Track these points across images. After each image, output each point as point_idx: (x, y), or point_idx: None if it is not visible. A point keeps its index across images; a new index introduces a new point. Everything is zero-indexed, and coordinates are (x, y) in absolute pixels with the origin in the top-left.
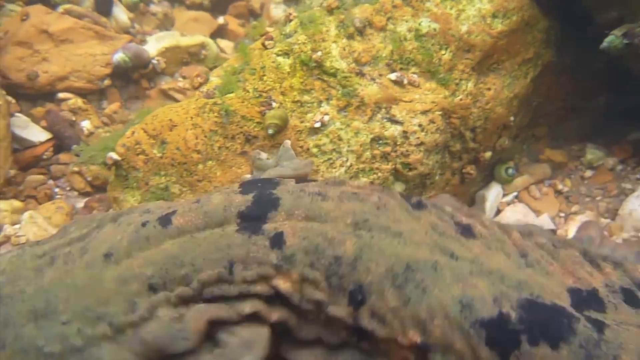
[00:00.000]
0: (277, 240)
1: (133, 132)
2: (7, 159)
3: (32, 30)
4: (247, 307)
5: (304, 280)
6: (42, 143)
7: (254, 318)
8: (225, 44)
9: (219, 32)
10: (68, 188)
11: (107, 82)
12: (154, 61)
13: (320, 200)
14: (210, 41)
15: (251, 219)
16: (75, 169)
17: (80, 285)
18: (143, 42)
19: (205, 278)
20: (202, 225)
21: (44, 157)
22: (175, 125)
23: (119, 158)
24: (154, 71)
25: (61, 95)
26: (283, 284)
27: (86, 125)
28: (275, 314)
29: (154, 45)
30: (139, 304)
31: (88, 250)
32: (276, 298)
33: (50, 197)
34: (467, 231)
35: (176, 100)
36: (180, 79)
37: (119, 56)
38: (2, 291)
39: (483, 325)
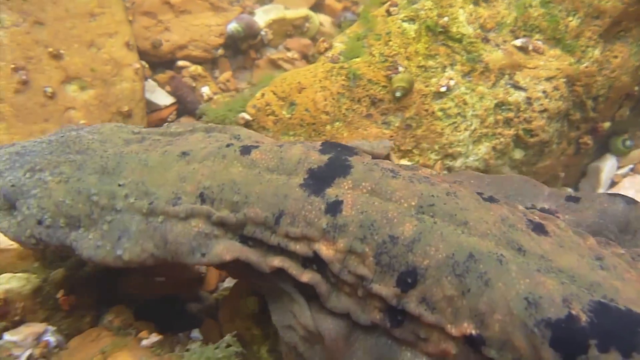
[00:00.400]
0: (334, 208)
1: (263, 94)
2: (142, 119)
3: (156, 1)
4: (277, 260)
5: (351, 252)
6: (167, 106)
7: (280, 272)
8: (323, 18)
9: (317, 7)
10: None
11: (220, 51)
12: (263, 32)
13: (390, 177)
14: (313, 14)
15: (318, 179)
16: None
17: (149, 164)
18: (251, 14)
19: (252, 215)
20: (274, 167)
21: (169, 119)
22: (304, 88)
23: (250, 118)
24: (261, 42)
25: (180, 63)
26: (325, 250)
27: (206, 91)
28: (307, 276)
29: (262, 18)
30: (182, 202)
31: (172, 144)
32: (312, 261)
33: None
34: (539, 228)
35: (285, 70)
36: (284, 50)
37: (232, 26)
38: (92, 145)
39: (549, 325)
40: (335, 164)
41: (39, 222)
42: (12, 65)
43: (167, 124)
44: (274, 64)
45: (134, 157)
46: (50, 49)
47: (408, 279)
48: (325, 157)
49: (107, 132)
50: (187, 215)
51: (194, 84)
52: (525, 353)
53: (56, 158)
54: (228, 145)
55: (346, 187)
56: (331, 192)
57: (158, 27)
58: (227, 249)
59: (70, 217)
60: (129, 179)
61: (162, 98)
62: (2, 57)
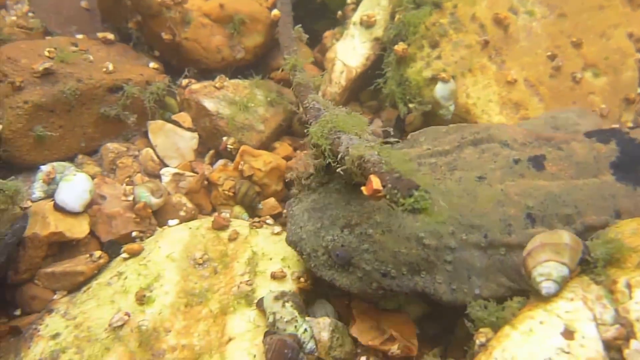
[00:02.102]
0: None
1: None
2: None
3: None
4: None
5: None
6: None
7: None
8: None
9: None
10: None
11: None
12: None
13: None
14: None
15: (625, 170)
16: None
17: (454, 193)
18: None
19: (591, 222)
20: (576, 174)
21: None
22: None
23: None
24: None
25: None
26: None
27: None
28: None
29: None
30: (514, 228)
31: (457, 167)
32: None
33: None
34: None
35: None
36: None
37: None
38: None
39: None
40: (629, 150)
41: (384, 275)
42: (548, 53)
43: (411, 134)
44: None
45: (434, 190)
46: (573, 39)
47: None
48: (613, 146)
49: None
50: (522, 242)
51: None
52: None
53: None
54: (516, 162)
55: None
56: None
57: None
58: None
59: (409, 264)
60: (444, 214)
61: None
62: (538, 45)
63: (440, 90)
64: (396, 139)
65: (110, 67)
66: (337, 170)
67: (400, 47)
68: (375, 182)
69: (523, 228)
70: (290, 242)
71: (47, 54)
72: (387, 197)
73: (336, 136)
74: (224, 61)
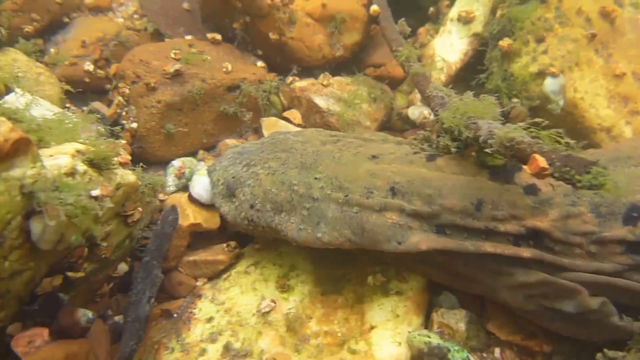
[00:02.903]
0: (531, 190)
1: None
2: None
3: None
4: (488, 246)
5: (567, 217)
6: None
7: (498, 258)
8: None
9: None
10: None
11: None
12: None
13: None
14: None
15: (501, 173)
16: None
17: (342, 162)
18: None
19: (449, 205)
20: (458, 171)
21: None
22: None
23: None
24: None
25: None
26: (540, 224)
27: None
28: (528, 252)
29: None
30: (375, 195)
31: (363, 146)
32: (526, 239)
33: None
34: None
35: None
36: None
37: None
38: (294, 145)
39: None
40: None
41: (251, 206)
42: None
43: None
44: None
45: (329, 156)
46: None
47: (633, 214)
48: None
49: (308, 135)
50: (382, 207)
51: None
52: None
53: (266, 155)
54: (415, 153)
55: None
56: (521, 179)
57: None
58: (423, 240)
59: (275, 202)
60: (323, 173)
61: None
62: None
63: (550, 84)
64: (542, 119)
65: (229, 67)
66: (484, 151)
67: (505, 42)
68: (541, 161)
69: (382, 197)
70: (207, 171)
71: (173, 55)
72: (556, 175)
73: (471, 121)
74: (324, 59)
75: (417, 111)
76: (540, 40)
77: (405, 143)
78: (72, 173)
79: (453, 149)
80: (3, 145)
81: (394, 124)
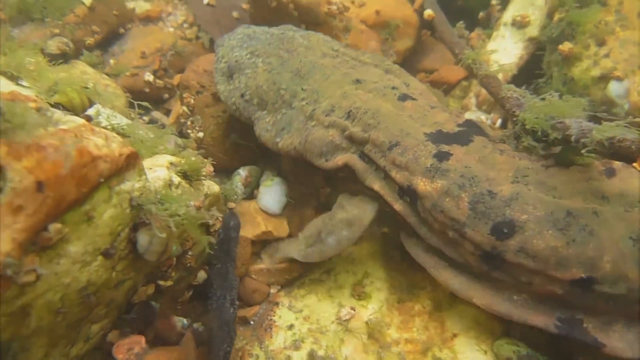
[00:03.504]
0: (442, 156)
1: None
2: None
3: None
4: (376, 185)
5: (447, 194)
6: None
7: (377, 196)
8: None
9: None
10: None
11: None
12: None
13: (498, 154)
14: None
15: (441, 137)
16: None
17: (329, 79)
18: None
19: (374, 137)
20: (415, 117)
21: None
22: None
23: None
24: None
25: None
26: (422, 185)
27: None
28: (399, 205)
29: None
30: (333, 114)
31: (355, 68)
32: (405, 194)
33: None
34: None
35: None
36: None
37: None
38: (299, 48)
39: None
40: (461, 134)
41: (242, 95)
42: None
43: (362, 50)
44: None
45: (322, 70)
46: None
47: (504, 229)
48: (457, 129)
49: (314, 41)
50: (330, 124)
51: None
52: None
53: (271, 50)
54: (393, 88)
55: (462, 152)
56: (445, 147)
57: None
58: (343, 158)
59: (261, 99)
60: (311, 86)
61: None
62: None
63: (615, 89)
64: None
65: None
66: (573, 151)
67: (565, 46)
68: None
69: (337, 116)
70: (215, 43)
71: None
72: None
73: (557, 121)
74: None
75: (474, 116)
76: (601, 43)
77: (394, 74)
78: (170, 185)
79: (541, 151)
80: (117, 160)
81: None
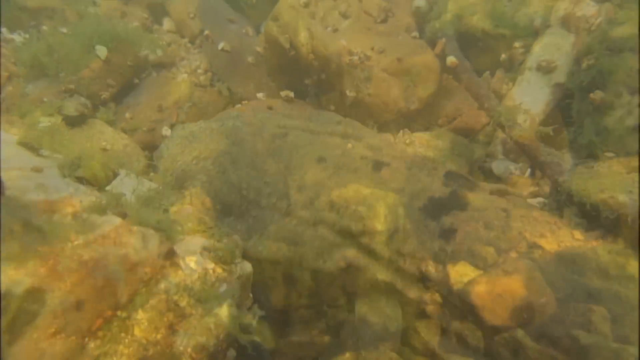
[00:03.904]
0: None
1: None
2: None
3: None
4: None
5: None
6: None
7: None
8: None
9: None
10: None
11: None
12: None
13: (504, 217)
14: None
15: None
16: None
17: (290, 165)
18: None
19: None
20: (398, 189)
21: None
22: None
23: None
24: None
25: None
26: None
27: None
28: (414, 293)
29: None
30: (314, 207)
31: (313, 144)
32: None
33: None
34: None
35: None
36: None
37: None
38: (245, 137)
39: None
40: (454, 197)
41: (202, 204)
42: None
43: (309, 113)
44: None
45: (279, 155)
46: None
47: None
48: (447, 190)
49: (257, 124)
50: (316, 222)
51: None
52: None
53: (216, 147)
54: (362, 158)
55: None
56: (446, 220)
57: None
58: (345, 257)
59: (224, 204)
60: (273, 177)
61: None
62: None
63: None
64: None
65: None
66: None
67: (597, 95)
68: None
69: (320, 210)
70: (153, 156)
71: None
72: None
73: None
74: (399, 113)
75: (502, 165)
76: (634, 92)
77: (353, 138)
78: (205, 275)
79: (576, 226)
80: (156, 263)
81: (475, 177)
